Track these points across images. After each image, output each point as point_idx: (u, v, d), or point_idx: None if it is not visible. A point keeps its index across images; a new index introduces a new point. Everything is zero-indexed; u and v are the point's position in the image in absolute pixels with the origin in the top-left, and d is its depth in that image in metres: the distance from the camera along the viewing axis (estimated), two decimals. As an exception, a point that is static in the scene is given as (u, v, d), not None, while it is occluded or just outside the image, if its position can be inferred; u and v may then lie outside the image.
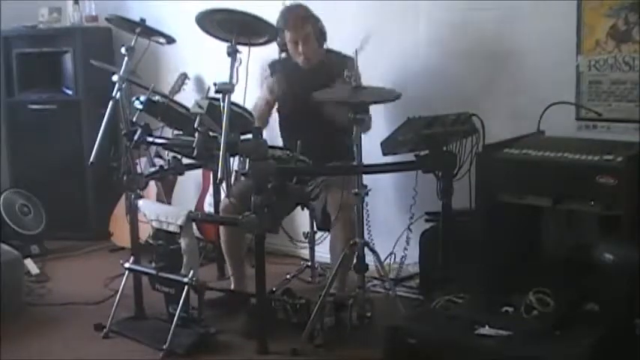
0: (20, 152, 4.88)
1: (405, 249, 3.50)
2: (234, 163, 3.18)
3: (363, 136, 3.08)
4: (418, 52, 3.73)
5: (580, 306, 2.59)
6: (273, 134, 3.70)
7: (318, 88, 3.20)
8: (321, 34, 3.58)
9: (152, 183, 4.04)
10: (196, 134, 2.93)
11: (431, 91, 3.63)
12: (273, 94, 3.69)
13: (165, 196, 4.37)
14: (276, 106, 3.74)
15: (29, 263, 4.09)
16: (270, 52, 3.63)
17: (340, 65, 3.41)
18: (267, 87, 3.71)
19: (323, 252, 3.64)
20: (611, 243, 2.56)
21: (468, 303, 2.75)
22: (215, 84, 2.87)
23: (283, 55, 3.68)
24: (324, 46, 3.63)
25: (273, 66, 3.70)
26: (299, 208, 3.66)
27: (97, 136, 3.17)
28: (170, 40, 3.42)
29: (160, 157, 4.22)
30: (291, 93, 3.60)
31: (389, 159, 3.17)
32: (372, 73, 3.25)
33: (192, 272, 3.06)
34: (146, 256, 3.41)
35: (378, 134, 3.06)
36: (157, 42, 3.44)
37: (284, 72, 3.66)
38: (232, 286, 3.55)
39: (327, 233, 3.49)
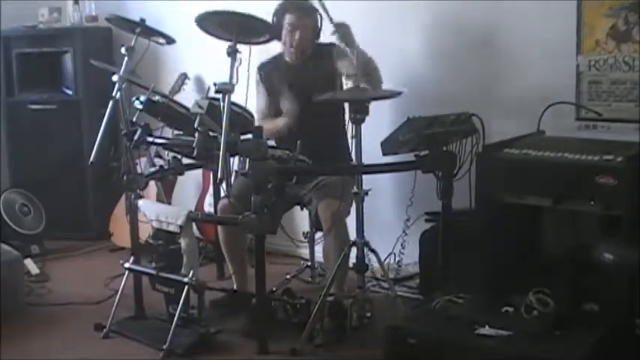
0: (20, 152, 4.88)
1: (401, 252, 3.50)
2: (234, 163, 3.18)
3: (363, 136, 3.08)
4: (418, 52, 3.73)
5: (580, 306, 2.59)
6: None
7: (310, 83, 3.19)
8: (318, 30, 3.52)
9: (152, 183, 4.04)
10: (196, 134, 2.93)
11: (431, 91, 3.63)
12: (268, 104, 3.62)
13: (166, 196, 4.37)
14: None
15: (29, 263, 4.09)
16: (271, 51, 3.63)
17: (327, 55, 3.41)
18: (264, 102, 3.62)
19: (323, 252, 3.65)
20: (611, 243, 2.56)
21: (468, 303, 2.76)
22: (215, 84, 2.87)
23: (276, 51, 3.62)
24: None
25: (262, 69, 3.63)
26: (298, 208, 3.66)
27: (97, 136, 3.17)
28: (170, 41, 3.42)
29: (160, 157, 4.22)
30: (285, 93, 3.56)
31: (389, 159, 3.17)
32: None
33: (192, 272, 3.06)
34: (146, 256, 3.40)
35: (378, 134, 3.06)
36: (157, 42, 3.44)
37: (274, 73, 3.60)
38: (235, 287, 3.55)
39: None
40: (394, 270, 3.62)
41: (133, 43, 3.28)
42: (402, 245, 3.49)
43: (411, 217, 3.46)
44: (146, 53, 3.37)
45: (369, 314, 3.15)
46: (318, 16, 3.48)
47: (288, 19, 3.45)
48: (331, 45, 3.46)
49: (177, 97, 3.90)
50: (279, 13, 3.47)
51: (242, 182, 3.33)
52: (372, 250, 3.17)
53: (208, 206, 4.25)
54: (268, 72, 3.63)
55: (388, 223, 3.73)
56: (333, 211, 3.18)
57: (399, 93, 3.08)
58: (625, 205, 2.48)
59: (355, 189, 3.10)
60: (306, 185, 3.46)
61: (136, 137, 3.25)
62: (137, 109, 3.30)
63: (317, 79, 3.35)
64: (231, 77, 2.89)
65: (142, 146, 3.38)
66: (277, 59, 3.63)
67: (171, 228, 3.15)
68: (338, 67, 3.40)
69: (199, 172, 4.28)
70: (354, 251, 3.15)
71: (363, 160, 3.07)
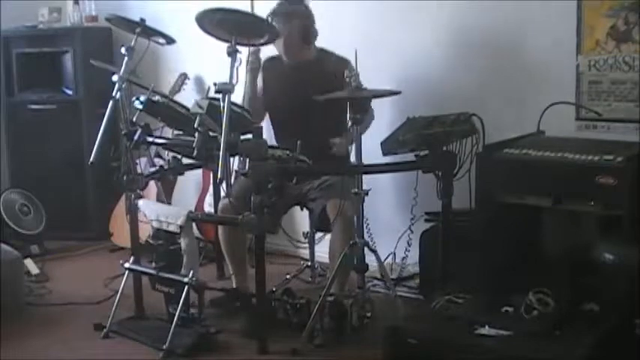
0: (20, 152, 4.88)
1: (407, 250, 3.50)
2: (234, 163, 3.18)
3: (363, 136, 3.08)
4: (418, 53, 3.72)
5: (580, 306, 2.59)
6: (272, 134, 3.69)
7: (307, 88, 3.19)
8: (307, 33, 3.51)
9: (152, 183, 4.03)
10: (196, 134, 2.93)
11: (431, 91, 3.63)
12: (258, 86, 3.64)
13: (166, 196, 4.37)
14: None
15: (29, 263, 4.09)
16: (271, 51, 3.63)
17: (334, 66, 3.40)
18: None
19: (323, 252, 3.64)
20: (611, 243, 2.56)
21: (468, 303, 2.75)
22: (215, 84, 2.87)
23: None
24: (314, 45, 3.57)
25: (266, 63, 3.65)
26: (298, 207, 3.66)
27: (97, 136, 3.17)
28: (170, 41, 3.42)
29: (160, 157, 4.22)
30: (279, 93, 3.57)
31: (389, 159, 3.17)
32: (372, 74, 3.25)
33: (192, 272, 3.06)
34: (146, 256, 3.41)
35: (378, 134, 3.06)
36: (157, 42, 3.44)
37: (273, 71, 3.62)
38: (234, 285, 3.54)
39: (326, 233, 3.48)
40: (399, 268, 3.63)
41: (133, 43, 3.27)
42: (407, 243, 3.50)
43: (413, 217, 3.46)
44: (146, 53, 3.37)
45: (369, 314, 3.15)
46: (303, 18, 3.48)
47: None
48: (337, 58, 3.46)
49: (177, 97, 3.91)
50: (270, 18, 3.45)
51: (242, 182, 3.33)
52: (372, 250, 3.17)
53: (208, 206, 4.25)
54: (270, 67, 3.64)
55: (388, 223, 3.74)
56: (341, 210, 3.18)
57: (398, 92, 3.08)
58: (625, 205, 2.49)
59: (355, 189, 3.10)
60: (306, 185, 3.45)
61: (136, 137, 3.24)
62: (137, 109, 3.29)
63: (314, 83, 3.33)
64: (231, 77, 2.88)
65: (142, 146, 3.38)
66: (280, 59, 3.63)
67: (172, 228, 3.15)
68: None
69: (199, 172, 4.28)
70: (354, 251, 3.15)
71: (363, 160, 3.07)
